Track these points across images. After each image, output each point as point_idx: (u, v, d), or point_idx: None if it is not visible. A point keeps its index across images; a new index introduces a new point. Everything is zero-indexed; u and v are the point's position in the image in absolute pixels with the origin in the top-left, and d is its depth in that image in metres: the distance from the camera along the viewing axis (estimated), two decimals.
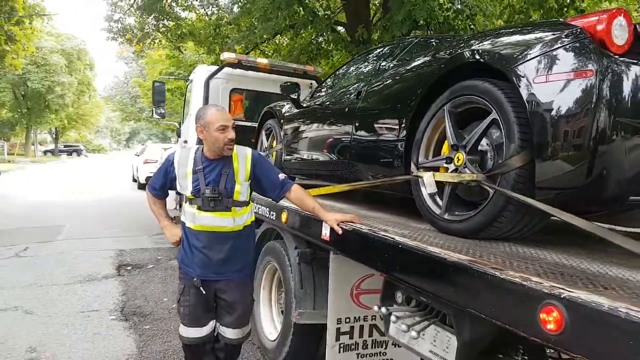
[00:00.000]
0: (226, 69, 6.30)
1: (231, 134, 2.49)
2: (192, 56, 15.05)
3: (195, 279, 2.58)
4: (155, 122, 24.96)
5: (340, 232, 2.32)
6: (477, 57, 2.19)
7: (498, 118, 2.06)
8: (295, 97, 4.04)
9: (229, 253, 2.58)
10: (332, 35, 9.26)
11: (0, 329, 3.83)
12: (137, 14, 11.80)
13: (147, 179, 13.09)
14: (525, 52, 1.96)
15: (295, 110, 4.09)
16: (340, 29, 9.90)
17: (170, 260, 6.31)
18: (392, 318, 2.13)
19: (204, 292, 2.59)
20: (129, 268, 5.89)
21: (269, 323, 3.60)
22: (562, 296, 1.28)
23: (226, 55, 6.26)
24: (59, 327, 3.91)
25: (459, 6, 7.37)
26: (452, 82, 2.34)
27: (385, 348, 2.96)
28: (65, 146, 52.96)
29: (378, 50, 3.74)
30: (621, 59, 1.78)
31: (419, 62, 2.76)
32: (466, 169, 2.20)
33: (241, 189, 2.56)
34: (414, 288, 1.99)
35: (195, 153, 2.60)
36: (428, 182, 2.37)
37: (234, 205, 2.55)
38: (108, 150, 67.26)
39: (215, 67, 6.56)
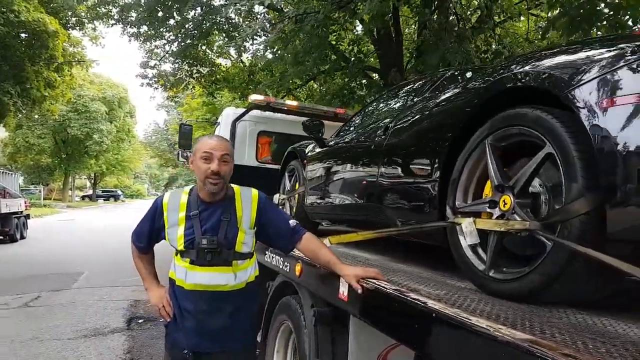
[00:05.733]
0: (254, 111, 6.15)
1: (215, 166, 2.04)
2: (227, 102, 15.24)
3: (185, 351, 2.12)
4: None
5: (360, 290, 1.91)
6: (523, 81, 1.82)
7: (554, 152, 1.65)
8: (319, 136, 3.75)
9: (230, 318, 2.15)
10: (365, 80, 9.11)
11: None
12: (171, 61, 12.06)
13: None
14: (584, 72, 1.58)
15: (319, 150, 3.79)
16: (375, 75, 9.79)
17: None
18: None
19: None
20: (140, 321, 5.54)
21: None
22: None
23: (254, 97, 6.11)
24: None
25: (499, 47, 7.16)
26: (492, 113, 1.97)
27: None
28: (103, 191, 54.55)
29: (408, 86, 3.43)
30: None
31: (454, 93, 2.41)
32: (515, 215, 1.79)
33: (245, 239, 2.15)
34: None
35: (189, 195, 2.17)
36: (468, 230, 1.96)
37: (235, 258, 2.13)
38: (147, 195, 68.75)
39: (242, 109, 6.40)
